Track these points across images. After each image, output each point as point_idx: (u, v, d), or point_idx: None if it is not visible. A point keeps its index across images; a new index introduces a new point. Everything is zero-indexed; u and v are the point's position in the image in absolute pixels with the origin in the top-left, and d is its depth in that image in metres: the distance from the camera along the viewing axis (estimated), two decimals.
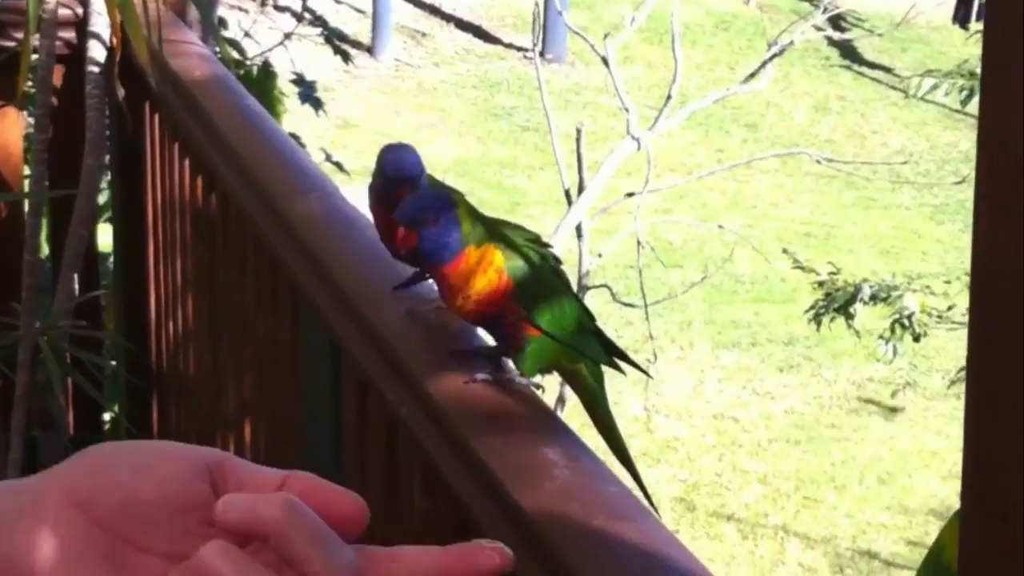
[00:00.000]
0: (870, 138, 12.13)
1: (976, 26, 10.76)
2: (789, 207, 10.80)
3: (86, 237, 3.69)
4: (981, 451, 1.12)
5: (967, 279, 1.13)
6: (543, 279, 1.90)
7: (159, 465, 0.81)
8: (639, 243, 6.33)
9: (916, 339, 6.73)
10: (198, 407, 3.46)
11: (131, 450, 0.82)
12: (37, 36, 3.59)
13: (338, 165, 6.13)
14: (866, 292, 6.64)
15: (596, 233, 6.86)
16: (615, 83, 6.23)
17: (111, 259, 4.20)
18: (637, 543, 1.63)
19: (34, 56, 3.63)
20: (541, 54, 8.24)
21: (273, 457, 2.86)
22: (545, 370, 1.93)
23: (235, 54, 4.65)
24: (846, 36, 12.15)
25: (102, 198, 4.19)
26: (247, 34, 5.38)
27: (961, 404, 1.14)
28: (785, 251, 8.07)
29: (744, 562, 7.10)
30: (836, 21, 12.04)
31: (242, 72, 4.59)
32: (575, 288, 5.82)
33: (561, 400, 5.19)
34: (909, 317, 6.59)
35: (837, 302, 6.70)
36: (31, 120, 3.95)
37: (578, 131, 6.04)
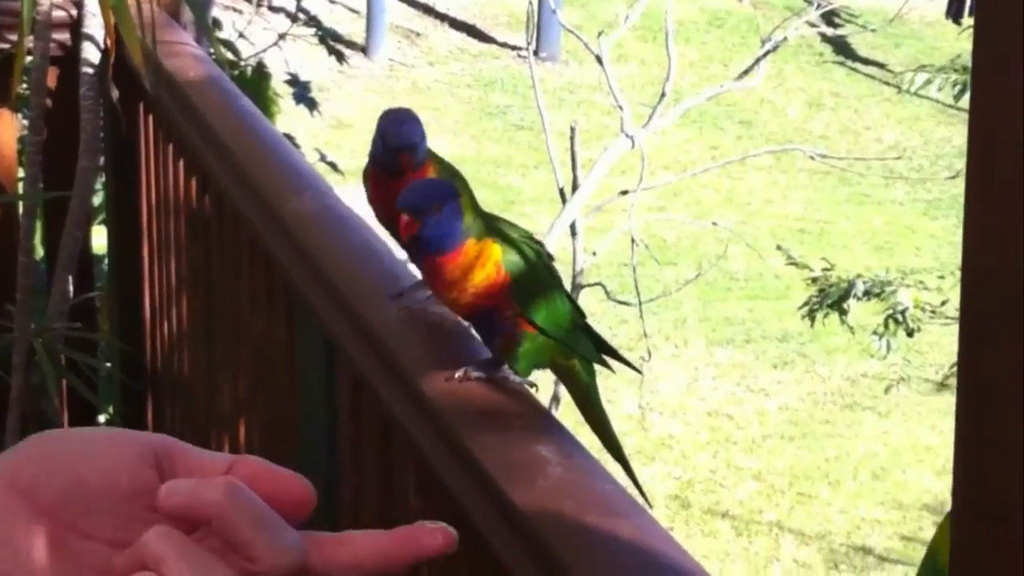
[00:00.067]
0: (864, 134, 12.13)
1: (969, 21, 10.76)
2: (783, 204, 10.81)
3: (80, 239, 3.70)
4: (972, 448, 1.12)
5: (960, 272, 1.14)
6: (538, 275, 1.91)
7: (104, 451, 0.80)
8: (633, 241, 6.33)
9: (910, 334, 6.74)
10: (193, 407, 3.46)
11: (76, 437, 0.81)
12: (31, 38, 3.60)
13: (332, 165, 6.14)
14: (860, 288, 6.65)
15: (590, 231, 6.86)
16: (609, 81, 6.24)
17: (106, 260, 4.20)
18: (631, 540, 1.64)
19: (28, 58, 3.63)
20: (535, 53, 8.23)
21: (268, 456, 2.86)
22: (539, 367, 1.93)
23: (229, 55, 4.65)
24: (839, 32, 12.15)
25: (96, 200, 4.19)
26: (241, 35, 5.39)
27: (955, 399, 1.15)
28: (779, 248, 8.07)
29: (739, 559, 7.11)
30: (829, 17, 12.06)
31: (236, 73, 4.59)
32: (570, 286, 5.83)
33: (556, 398, 5.20)
34: (903, 312, 6.60)
35: (831, 298, 6.71)
36: (25, 122, 3.96)
37: (572, 129, 6.05)
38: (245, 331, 2.95)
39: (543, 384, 2.07)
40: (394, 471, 2.14)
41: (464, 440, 1.84)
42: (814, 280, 6.96)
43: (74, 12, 3.81)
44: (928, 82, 6.85)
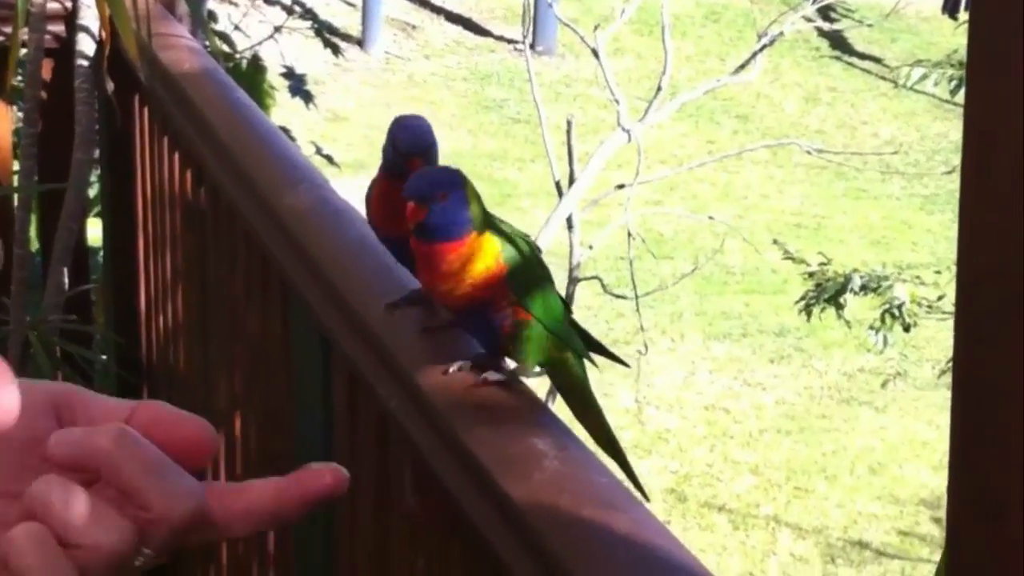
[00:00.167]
0: (860, 128, 12.13)
1: (965, 16, 10.77)
2: (779, 198, 10.81)
3: (76, 231, 3.69)
4: (968, 445, 1.12)
5: (955, 268, 1.13)
6: (535, 268, 1.90)
7: None
8: (630, 235, 6.33)
9: (906, 329, 6.74)
10: (188, 401, 3.46)
11: None
12: (26, 30, 3.59)
13: (328, 158, 6.14)
14: (856, 282, 6.65)
15: (587, 225, 6.86)
16: (605, 75, 6.24)
17: (101, 253, 4.19)
18: (627, 533, 1.64)
19: (23, 50, 3.63)
20: (531, 46, 8.23)
21: (263, 450, 2.87)
22: (541, 363, 1.92)
23: (225, 47, 4.65)
24: (836, 27, 12.15)
25: (92, 192, 4.19)
26: (237, 27, 5.38)
27: (951, 395, 1.15)
28: (775, 242, 8.08)
29: (735, 553, 7.11)
30: (826, 12, 12.04)
31: (232, 66, 4.59)
32: (566, 280, 5.83)
33: (552, 392, 5.20)
34: (899, 307, 6.60)
35: (827, 293, 6.71)
36: (20, 114, 3.95)
37: (568, 123, 6.04)
38: (240, 325, 2.95)
39: (540, 378, 2.06)
40: (390, 466, 2.14)
41: (460, 434, 1.84)
42: (811, 275, 6.96)
43: (69, 4, 3.81)
44: (924, 77, 6.86)
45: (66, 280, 3.70)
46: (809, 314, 6.83)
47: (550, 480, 1.72)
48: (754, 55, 6.69)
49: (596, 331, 8.45)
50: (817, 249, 7.98)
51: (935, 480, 7.55)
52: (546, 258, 1.97)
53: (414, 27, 13.12)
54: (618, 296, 7.10)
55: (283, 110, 5.54)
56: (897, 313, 6.62)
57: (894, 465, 7.80)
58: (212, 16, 4.82)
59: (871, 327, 6.79)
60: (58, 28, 3.82)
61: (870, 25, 12.12)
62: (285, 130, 4.31)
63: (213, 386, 3.21)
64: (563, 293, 2.19)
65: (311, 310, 2.38)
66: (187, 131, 3.20)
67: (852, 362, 8.69)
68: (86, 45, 3.68)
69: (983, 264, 1.08)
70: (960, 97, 6.80)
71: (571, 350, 1.94)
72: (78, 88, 3.65)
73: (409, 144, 1.97)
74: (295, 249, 2.46)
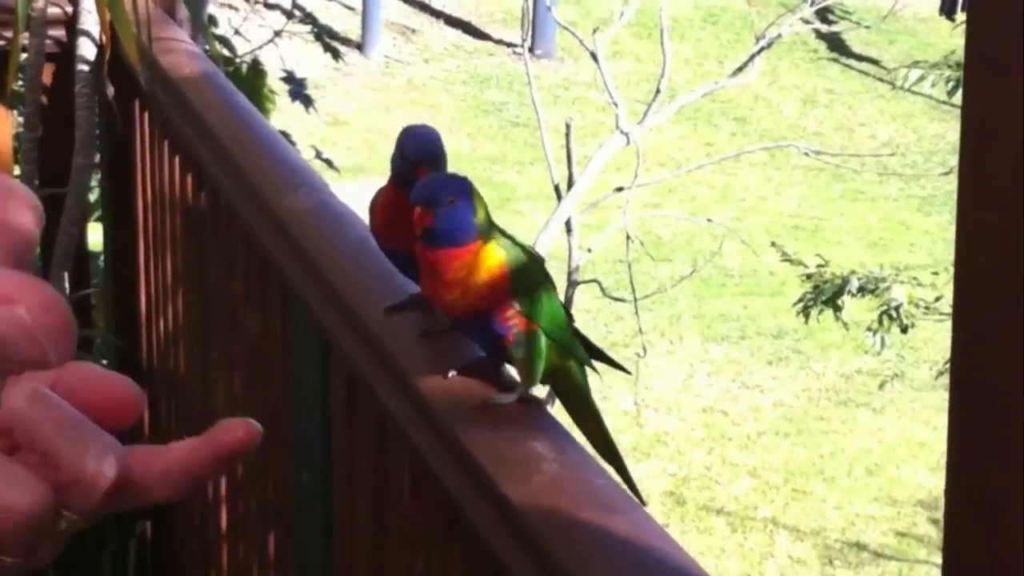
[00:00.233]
0: (858, 130, 12.14)
1: (962, 18, 10.78)
2: (777, 200, 10.82)
3: (76, 236, 3.70)
4: (965, 444, 1.13)
5: (953, 269, 1.14)
6: (538, 278, 1.90)
7: None
8: (628, 237, 6.34)
9: (904, 330, 6.75)
10: (189, 403, 3.47)
11: None
12: (26, 34, 3.60)
13: (328, 162, 6.14)
14: (854, 284, 6.65)
15: (585, 228, 6.87)
16: (604, 78, 6.25)
17: (101, 257, 4.20)
18: (626, 536, 1.65)
19: (23, 55, 3.64)
20: (530, 50, 8.24)
21: (263, 451, 2.87)
22: (544, 372, 1.92)
23: (225, 52, 4.65)
24: (834, 29, 12.16)
25: (92, 196, 4.19)
26: (237, 32, 5.39)
27: (948, 396, 1.15)
28: (774, 244, 8.09)
29: (734, 555, 7.12)
30: (824, 14, 12.06)
31: (232, 70, 4.59)
32: (565, 283, 5.83)
33: (551, 394, 5.21)
34: (897, 308, 6.61)
35: (825, 294, 6.72)
36: (21, 119, 3.96)
37: (567, 126, 6.05)
38: (240, 328, 2.96)
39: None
40: (389, 467, 2.14)
41: (459, 436, 1.84)
42: (809, 276, 6.97)
43: (70, 9, 3.82)
44: (922, 78, 6.86)
45: (67, 284, 3.70)
46: (807, 316, 6.84)
47: (549, 483, 1.73)
48: (752, 57, 6.70)
49: (595, 334, 8.45)
50: (815, 251, 7.98)
51: (932, 481, 7.56)
52: (545, 261, 1.98)
53: (413, 31, 13.13)
54: (617, 299, 7.11)
55: (283, 114, 5.54)
56: (895, 315, 6.62)
57: (892, 466, 7.81)
58: (212, 20, 4.83)
59: (869, 329, 6.79)
60: (59, 33, 3.83)
61: (867, 27, 12.12)
62: (285, 134, 4.32)
63: (213, 388, 3.22)
64: (562, 296, 2.20)
65: (310, 312, 2.39)
66: (187, 135, 3.21)
67: (850, 364, 8.70)
68: (87, 50, 3.69)
69: (981, 264, 1.09)
70: (957, 98, 6.80)
71: (573, 358, 1.94)
72: (79, 93, 3.66)
73: (417, 152, 1.98)
74: (295, 252, 2.47)
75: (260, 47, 5.25)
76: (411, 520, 2.08)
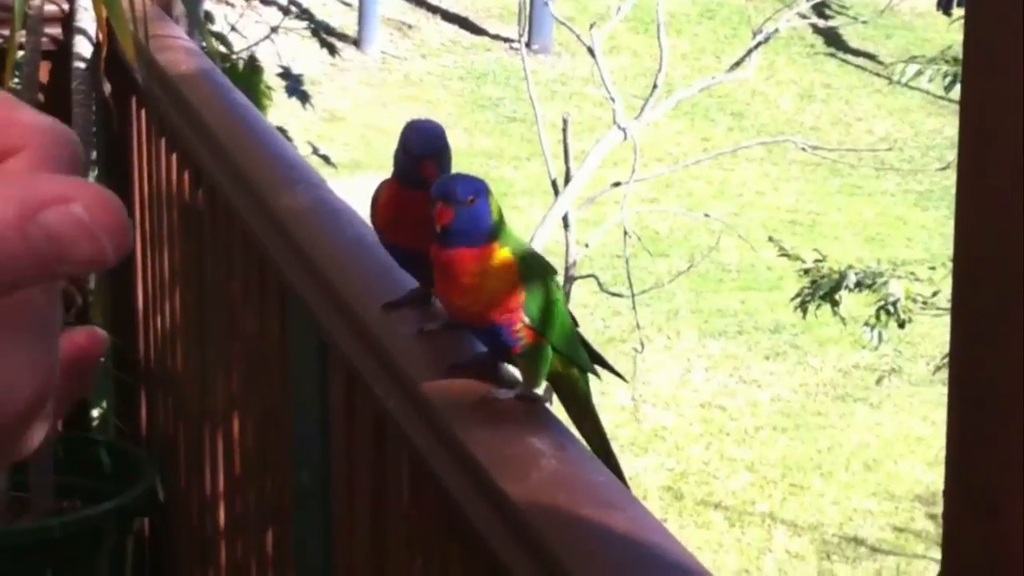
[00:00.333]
0: (855, 125, 12.14)
1: (959, 12, 10.78)
2: (775, 195, 10.82)
3: None
4: (964, 440, 1.13)
5: (952, 265, 1.14)
6: (549, 290, 1.89)
7: None
8: (626, 233, 6.34)
9: (901, 325, 6.75)
10: (186, 402, 3.47)
11: None
12: (23, 32, 3.60)
13: (325, 158, 6.14)
14: (851, 279, 6.65)
15: (583, 223, 6.87)
16: (601, 73, 6.24)
17: None
18: (625, 531, 1.65)
19: (20, 52, 3.63)
20: (527, 45, 8.25)
21: (261, 451, 2.87)
22: (545, 378, 1.93)
23: (221, 48, 4.65)
24: (830, 24, 12.16)
25: None
26: (233, 28, 5.38)
27: (946, 390, 1.15)
28: (771, 239, 8.08)
29: (731, 550, 7.12)
30: (820, 9, 12.05)
31: (228, 66, 4.59)
32: (562, 278, 5.83)
33: (550, 391, 5.21)
34: (894, 303, 6.61)
35: (823, 289, 6.71)
36: None
37: (564, 121, 6.06)
38: (238, 326, 2.95)
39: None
40: (388, 465, 2.14)
41: (457, 433, 1.84)
42: (806, 271, 6.97)
43: (66, 6, 3.81)
44: (919, 73, 6.86)
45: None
46: (804, 311, 6.84)
47: (548, 479, 1.73)
48: (749, 52, 6.70)
49: (592, 329, 8.46)
50: (812, 246, 7.99)
51: (930, 476, 7.56)
52: (555, 272, 1.98)
53: (410, 26, 13.12)
54: (614, 294, 7.11)
55: (280, 110, 5.54)
56: (892, 309, 6.62)
57: (889, 461, 7.81)
58: (208, 17, 4.83)
59: (866, 323, 6.79)
60: (55, 30, 3.83)
61: (864, 22, 12.13)
62: (282, 130, 4.32)
63: (210, 387, 3.22)
64: None
65: (309, 310, 2.39)
66: (184, 132, 3.20)
67: (847, 358, 8.71)
68: (83, 47, 3.69)
69: (980, 259, 1.09)
70: (954, 93, 6.81)
71: (577, 366, 1.94)
72: (75, 90, 3.65)
73: (421, 147, 1.97)
74: (293, 249, 2.47)
75: (257, 43, 5.25)
76: (410, 518, 2.08)
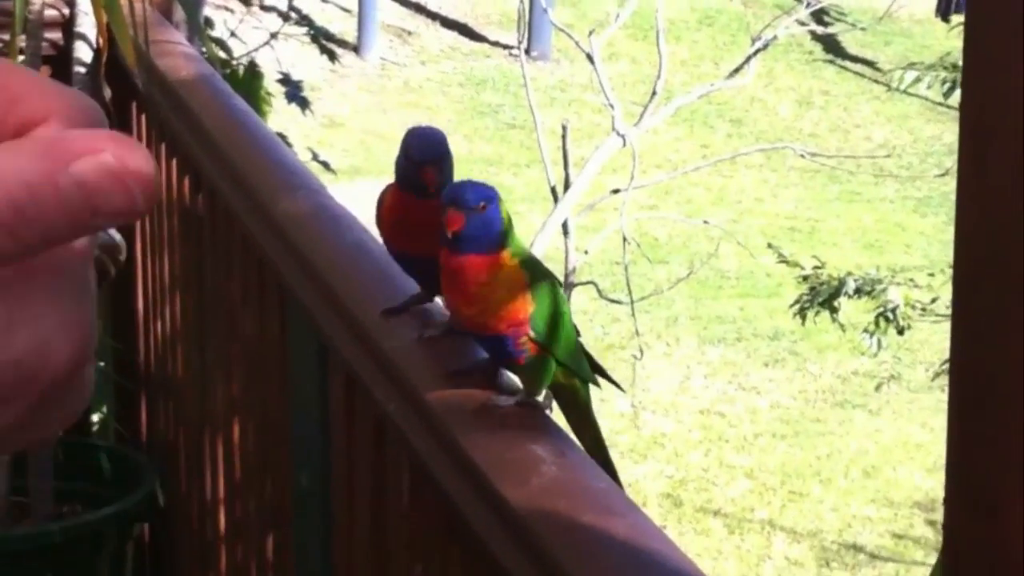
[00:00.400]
0: (853, 132, 12.15)
1: (958, 19, 10.79)
2: (774, 202, 10.82)
3: None
4: (964, 443, 1.13)
5: (951, 271, 1.14)
6: (557, 305, 1.89)
7: None
8: (625, 239, 6.35)
9: (900, 332, 6.75)
10: (186, 406, 3.47)
11: None
12: (23, 37, 3.60)
13: (325, 164, 6.14)
14: (850, 286, 6.65)
15: (582, 230, 6.88)
16: (600, 80, 6.25)
17: None
18: (625, 538, 1.65)
19: (20, 57, 3.64)
20: (526, 51, 8.25)
21: (261, 455, 2.87)
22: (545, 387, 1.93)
23: (221, 54, 4.65)
24: (829, 30, 12.16)
25: None
26: (233, 34, 5.39)
27: (945, 397, 1.15)
28: (770, 246, 8.08)
29: (731, 557, 7.12)
30: (819, 16, 12.07)
31: (228, 72, 4.59)
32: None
33: (550, 397, 5.21)
34: (893, 310, 6.61)
35: (822, 296, 6.72)
36: None
37: (564, 128, 6.06)
38: (238, 330, 2.95)
39: None
40: (388, 470, 2.14)
41: (458, 438, 1.84)
42: (805, 278, 6.97)
43: (66, 11, 3.82)
44: (917, 80, 6.86)
45: None
46: (803, 318, 6.84)
47: (548, 485, 1.73)
48: (748, 59, 6.71)
49: (591, 336, 8.46)
50: (811, 252, 7.99)
51: (929, 483, 7.56)
52: (561, 284, 1.98)
53: (410, 33, 13.13)
54: (613, 301, 7.11)
55: (279, 116, 5.55)
56: (891, 316, 6.62)
57: (888, 468, 7.81)
58: (209, 23, 4.83)
59: (865, 330, 6.79)
60: (55, 35, 3.83)
61: (863, 28, 12.13)
62: (282, 136, 4.33)
63: (210, 391, 3.22)
64: None
65: (308, 315, 2.39)
66: (184, 137, 3.21)
67: (846, 365, 8.70)
68: (83, 52, 3.69)
69: (980, 263, 1.10)
70: (953, 100, 6.81)
71: (579, 377, 1.94)
72: None
73: (423, 153, 1.96)
74: (293, 254, 2.47)
75: (256, 49, 5.25)
76: (410, 522, 2.08)
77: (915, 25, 13.86)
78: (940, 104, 10.88)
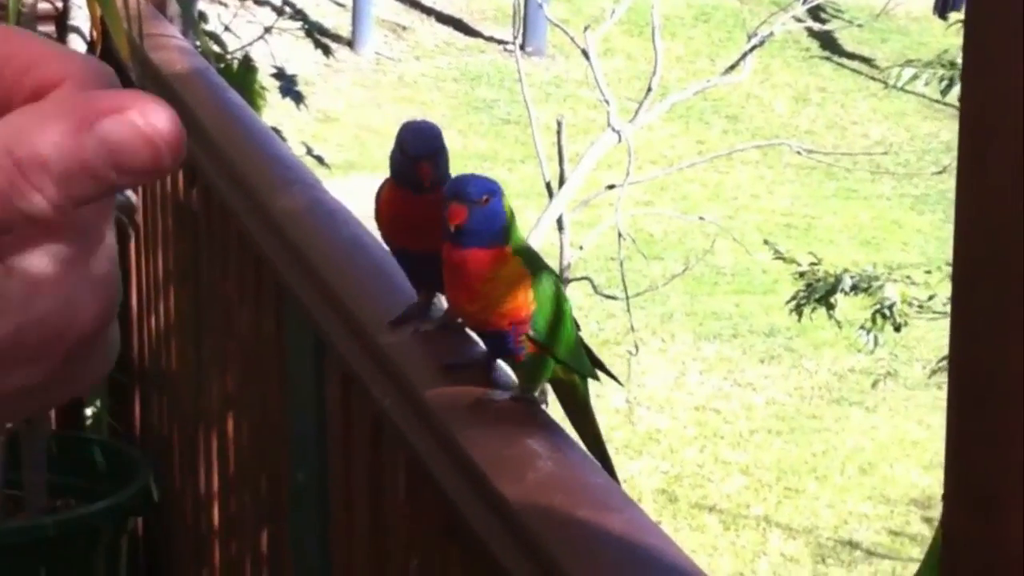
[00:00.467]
0: (850, 129, 12.14)
1: (955, 16, 10.79)
2: (770, 198, 10.82)
3: None
4: (964, 440, 1.13)
5: (948, 268, 1.14)
6: (558, 304, 1.88)
7: None
8: (620, 235, 6.34)
9: (897, 329, 6.75)
10: (181, 402, 3.46)
11: None
12: None
13: (319, 159, 6.13)
14: (847, 282, 6.65)
15: (577, 225, 6.87)
16: (596, 75, 6.24)
17: None
18: (622, 533, 1.64)
19: None
20: (521, 47, 8.25)
21: (256, 450, 2.87)
22: (545, 381, 1.92)
23: (216, 48, 4.64)
24: (826, 27, 12.16)
25: None
26: (227, 28, 5.37)
27: (942, 394, 1.15)
28: (766, 242, 8.08)
29: (726, 553, 7.12)
30: (816, 12, 12.06)
31: (222, 66, 4.58)
32: None
33: (545, 392, 5.20)
34: (890, 307, 6.60)
35: (818, 292, 6.71)
36: None
37: (559, 124, 6.05)
38: (233, 326, 2.95)
39: None
40: (384, 465, 2.14)
41: (454, 434, 1.84)
42: (801, 275, 6.97)
43: (60, 4, 3.81)
44: (915, 77, 6.86)
45: None
46: (800, 314, 6.84)
47: (544, 481, 1.73)
48: (744, 55, 6.70)
49: (587, 332, 8.43)
50: (807, 249, 7.98)
51: (925, 480, 7.56)
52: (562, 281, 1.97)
53: (404, 28, 13.12)
54: (609, 297, 7.11)
55: (274, 111, 5.53)
56: (888, 313, 6.62)
57: (884, 465, 7.81)
58: (203, 16, 4.82)
59: (862, 327, 6.79)
60: (48, 28, 3.82)
61: (860, 25, 12.12)
62: (276, 131, 4.31)
63: (206, 386, 3.21)
64: None
65: (304, 310, 2.38)
66: None
67: (842, 362, 8.70)
68: (77, 45, 3.68)
69: (979, 260, 1.09)
70: (950, 97, 6.81)
71: (578, 373, 1.94)
72: None
73: (418, 147, 1.95)
74: (289, 249, 2.46)
75: (251, 43, 5.24)
76: (407, 517, 2.07)
77: (912, 22, 13.86)
78: (937, 101, 10.88)
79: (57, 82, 0.60)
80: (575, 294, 7.83)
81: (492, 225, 1.81)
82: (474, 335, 1.96)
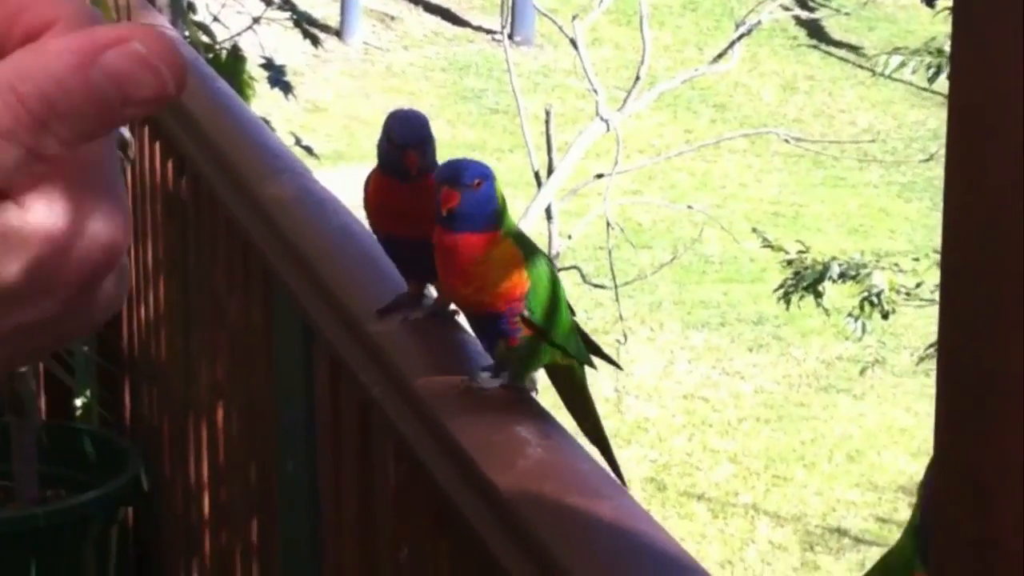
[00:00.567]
0: (838, 117, 12.15)
1: (943, 3, 10.80)
2: (758, 187, 10.83)
3: None
4: (952, 431, 1.13)
5: (935, 256, 1.14)
6: (552, 286, 1.88)
7: None
8: (608, 224, 6.35)
9: (885, 316, 6.76)
10: (170, 390, 3.46)
11: None
12: None
13: (308, 149, 6.12)
14: (835, 270, 6.66)
15: (566, 215, 6.88)
16: (584, 65, 6.25)
17: None
18: (612, 520, 1.65)
19: None
20: (510, 36, 8.23)
21: (246, 439, 2.87)
22: (535, 370, 1.92)
23: (204, 38, 4.64)
24: (814, 16, 12.17)
25: None
26: (216, 18, 5.37)
27: (930, 381, 1.15)
28: (754, 231, 8.09)
29: (714, 540, 7.13)
30: (803, 1, 12.07)
31: (211, 56, 4.57)
32: None
33: (534, 380, 5.21)
34: (878, 295, 6.62)
35: (806, 281, 6.72)
36: None
37: (547, 113, 6.06)
38: (222, 315, 2.95)
39: None
40: (373, 453, 2.14)
41: (444, 421, 1.84)
42: (789, 263, 6.98)
43: None
44: (902, 65, 6.87)
45: None
46: (788, 302, 6.85)
47: (534, 468, 1.73)
48: (732, 44, 6.71)
49: None
50: (795, 237, 7.99)
51: (913, 467, 7.58)
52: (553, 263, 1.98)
53: (393, 18, 13.11)
54: (597, 286, 7.12)
55: (262, 101, 5.52)
56: (876, 301, 6.63)
57: (872, 452, 7.83)
58: (191, 6, 4.81)
59: (849, 315, 6.80)
60: None
61: (847, 14, 12.13)
62: (265, 121, 4.31)
63: (195, 375, 3.21)
64: None
65: (293, 299, 2.39)
66: (168, 121, 3.20)
67: (830, 350, 8.72)
68: None
69: (968, 248, 1.09)
70: (938, 85, 6.83)
71: (574, 358, 1.94)
72: None
73: (404, 136, 1.95)
74: (278, 238, 2.47)
75: (239, 33, 5.24)
76: (396, 505, 2.07)
77: (900, 10, 13.87)
78: (925, 89, 10.88)
79: (49, 24, 0.60)
80: (564, 283, 7.84)
81: (484, 209, 1.81)
82: (466, 323, 1.96)
